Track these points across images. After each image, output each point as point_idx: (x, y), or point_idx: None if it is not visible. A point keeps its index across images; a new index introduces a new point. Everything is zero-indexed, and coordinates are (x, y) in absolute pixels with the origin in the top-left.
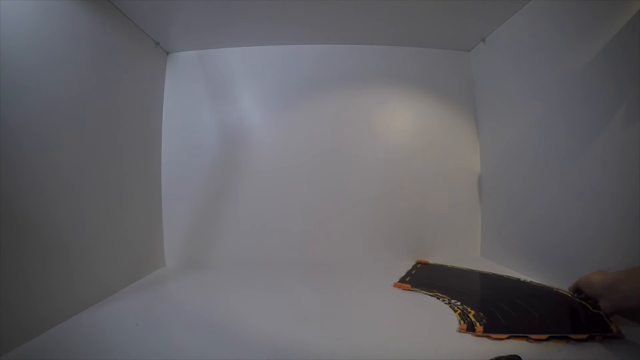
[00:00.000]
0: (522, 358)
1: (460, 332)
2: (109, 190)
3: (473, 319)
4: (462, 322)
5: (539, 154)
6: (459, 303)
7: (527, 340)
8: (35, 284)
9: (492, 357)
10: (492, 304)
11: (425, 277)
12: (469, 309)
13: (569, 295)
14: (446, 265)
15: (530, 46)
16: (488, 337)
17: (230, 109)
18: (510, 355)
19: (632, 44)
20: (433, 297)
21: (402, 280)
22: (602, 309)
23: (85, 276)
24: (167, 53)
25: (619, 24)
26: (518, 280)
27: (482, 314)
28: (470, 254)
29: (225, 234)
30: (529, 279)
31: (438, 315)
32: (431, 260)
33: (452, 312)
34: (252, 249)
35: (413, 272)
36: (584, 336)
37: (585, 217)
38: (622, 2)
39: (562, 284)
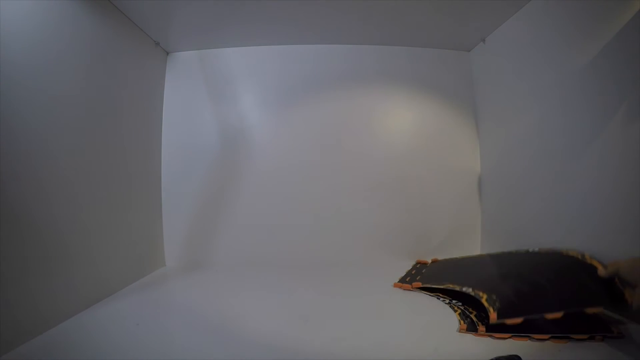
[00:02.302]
0: (522, 358)
1: (460, 332)
2: (109, 190)
3: (474, 319)
4: (462, 322)
5: (539, 153)
6: (470, 289)
7: (528, 340)
8: (35, 284)
9: (492, 357)
10: (504, 283)
11: (436, 272)
12: (480, 294)
13: (578, 257)
14: (456, 258)
15: (530, 46)
16: (490, 335)
17: (230, 109)
18: (510, 355)
19: (632, 44)
20: (433, 297)
21: (402, 280)
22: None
23: (85, 276)
24: (167, 53)
25: (619, 24)
26: (527, 251)
27: (494, 297)
28: (470, 254)
29: (225, 234)
30: (536, 248)
31: (438, 315)
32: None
33: (452, 312)
34: (252, 249)
35: (413, 272)
36: (585, 336)
37: (585, 217)
38: (622, 2)
39: None
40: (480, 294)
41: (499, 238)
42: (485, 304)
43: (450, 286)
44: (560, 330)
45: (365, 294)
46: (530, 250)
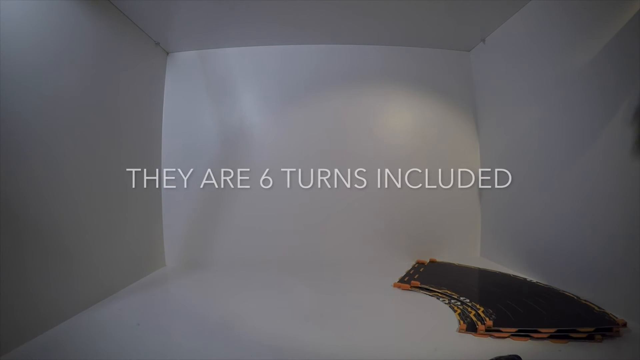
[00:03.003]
0: (522, 358)
1: (460, 332)
2: (109, 190)
3: (474, 319)
4: (461, 322)
5: (539, 154)
6: (468, 300)
7: (528, 339)
8: (35, 284)
9: (492, 357)
10: (500, 301)
11: (434, 275)
12: (477, 306)
13: (574, 297)
14: (453, 264)
15: (530, 46)
16: (490, 335)
17: (230, 109)
18: (510, 355)
19: (632, 44)
20: (433, 297)
21: (402, 280)
22: None
23: (85, 276)
24: (167, 53)
25: (619, 24)
26: (525, 279)
27: (490, 311)
28: (470, 254)
29: (225, 234)
30: (534, 279)
31: (438, 315)
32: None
33: (452, 312)
34: (252, 249)
35: (411, 272)
36: (584, 335)
37: (584, 218)
38: (622, 2)
39: (561, 283)
40: (477, 306)
41: (499, 238)
42: (482, 315)
43: (448, 292)
44: (567, 325)
45: (365, 293)
46: (528, 280)
